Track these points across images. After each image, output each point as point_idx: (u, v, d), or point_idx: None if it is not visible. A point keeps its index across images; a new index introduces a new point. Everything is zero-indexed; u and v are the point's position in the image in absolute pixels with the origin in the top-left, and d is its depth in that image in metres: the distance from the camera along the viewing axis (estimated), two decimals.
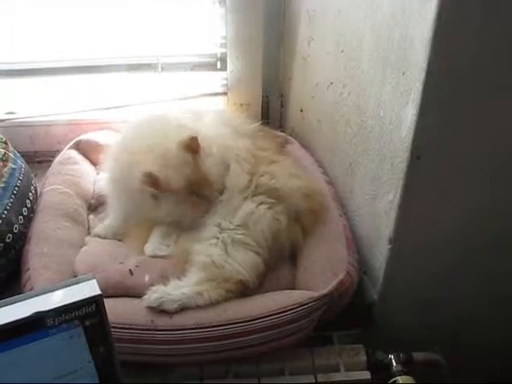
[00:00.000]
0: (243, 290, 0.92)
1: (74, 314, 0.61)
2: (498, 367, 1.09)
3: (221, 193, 1.03)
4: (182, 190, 0.98)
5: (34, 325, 0.60)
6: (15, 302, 0.60)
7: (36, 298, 0.61)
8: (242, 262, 0.93)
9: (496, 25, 0.74)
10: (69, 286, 0.62)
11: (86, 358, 0.65)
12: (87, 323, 0.62)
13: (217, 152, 1.05)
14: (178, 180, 0.97)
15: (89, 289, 0.62)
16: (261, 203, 1.00)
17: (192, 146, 0.99)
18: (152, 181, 0.95)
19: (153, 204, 1.00)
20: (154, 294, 0.88)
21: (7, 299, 0.61)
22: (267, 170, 1.05)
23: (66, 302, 0.60)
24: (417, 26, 0.78)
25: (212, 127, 1.11)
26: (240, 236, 0.96)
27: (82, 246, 1.05)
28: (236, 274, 0.92)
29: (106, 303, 0.64)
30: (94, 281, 0.63)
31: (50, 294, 0.62)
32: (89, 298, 0.61)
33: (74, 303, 0.61)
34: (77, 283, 0.63)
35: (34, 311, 0.59)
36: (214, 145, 1.06)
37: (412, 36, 0.79)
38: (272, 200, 1.00)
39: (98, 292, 0.62)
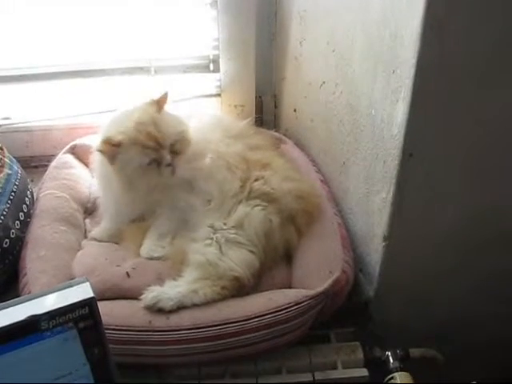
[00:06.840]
0: (238, 287, 0.92)
1: (67, 316, 0.61)
2: (496, 362, 1.09)
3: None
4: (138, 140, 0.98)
5: (28, 328, 0.60)
6: (9, 307, 0.61)
7: (30, 302, 0.62)
8: (237, 260, 0.94)
9: (485, 21, 0.74)
10: (62, 289, 0.63)
11: (80, 360, 0.65)
12: (81, 326, 0.63)
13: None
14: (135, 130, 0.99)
15: (82, 292, 0.63)
16: (256, 205, 1.00)
17: (160, 102, 1.03)
18: (108, 142, 0.97)
19: (112, 170, 1.01)
20: (150, 294, 0.89)
21: (1, 304, 0.61)
22: (260, 175, 1.05)
23: (59, 305, 0.61)
24: (406, 24, 0.78)
25: (205, 131, 1.11)
26: (233, 235, 0.97)
27: (78, 250, 1.06)
28: (230, 270, 0.93)
29: (103, 306, 0.65)
30: (87, 284, 0.63)
31: (44, 297, 0.62)
32: (82, 301, 0.62)
33: (67, 306, 0.61)
34: (70, 286, 0.63)
35: (28, 315, 0.60)
36: (207, 150, 1.06)
37: (402, 34, 0.80)
38: (266, 203, 1.01)
39: (91, 295, 0.62)
